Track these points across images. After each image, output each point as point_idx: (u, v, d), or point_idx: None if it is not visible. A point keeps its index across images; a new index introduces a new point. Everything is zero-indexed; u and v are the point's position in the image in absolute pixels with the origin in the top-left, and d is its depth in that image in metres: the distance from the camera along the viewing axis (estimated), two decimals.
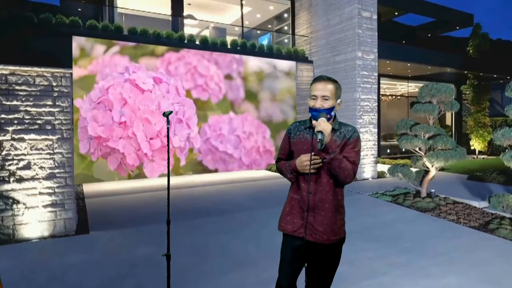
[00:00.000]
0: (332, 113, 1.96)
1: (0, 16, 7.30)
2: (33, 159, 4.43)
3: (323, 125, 1.83)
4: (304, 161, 1.89)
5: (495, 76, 14.42)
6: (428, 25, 16.57)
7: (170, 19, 10.37)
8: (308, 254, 1.98)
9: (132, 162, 8.35)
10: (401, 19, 17.27)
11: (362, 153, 9.27)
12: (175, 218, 4.39)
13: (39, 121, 4.45)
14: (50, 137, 4.51)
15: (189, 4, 11.61)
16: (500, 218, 5.22)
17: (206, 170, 9.58)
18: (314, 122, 1.91)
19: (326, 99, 1.93)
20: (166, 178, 8.22)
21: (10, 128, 4.31)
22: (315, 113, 1.93)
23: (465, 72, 13.99)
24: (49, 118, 4.50)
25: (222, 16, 13.20)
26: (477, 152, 14.63)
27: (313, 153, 1.88)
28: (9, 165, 4.31)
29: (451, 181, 8.62)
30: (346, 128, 1.98)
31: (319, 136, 1.80)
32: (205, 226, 5.05)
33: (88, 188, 7.84)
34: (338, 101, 1.99)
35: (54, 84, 4.52)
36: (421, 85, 8.88)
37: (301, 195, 1.99)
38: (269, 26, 13.69)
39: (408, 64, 12.05)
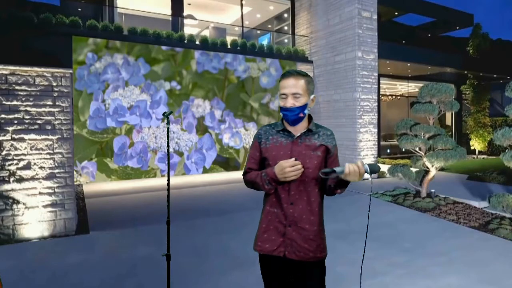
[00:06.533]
0: (306, 112, 1.76)
1: (0, 16, 7.30)
2: (33, 159, 4.43)
3: (355, 178, 1.63)
4: (285, 167, 1.64)
5: (495, 76, 14.41)
6: (428, 25, 16.56)
7: (170, 19, 10.37)
8: (291, 274, 1.76)
9: None
10: (401, 19, 17.25)
11: (362, 153, 9.29)
12: (175, 218, 4.40)
13: (39, 121, 4.45)
14: (50, 137, 4.51)
15: (189, 4, 11.61)
16: (500, 218, 5.22)
17: None
18: (348, 165, 1.62)
19: (297, 97, 1.72)
20: (166, 178, 8.21)
21: (10, 128, 4.31)
22: (287, 113, 1.72)
23: (465, 72, 13.99)
24: (49, 118, 4.50)
25: (222, 16, 13.20)
26: (477, 152, 14.62)
27: (294, 158, 1.68)
28: (9, 165, 4.31)
29: (451, 181, 8.62)
30: (324, 132, 1.82)
31: (338, 171, 1.62)
32: (205, 226, 5.05)
33: (88, 188, 7.84)
34: (312, 97, 1.78)
35: (54, 84, 4.52)
36: (421, 85, 8.88)
37: (281, 208, 1.75)
38: (269, 26, 13.68)
39: (408, 64, 12.05)
